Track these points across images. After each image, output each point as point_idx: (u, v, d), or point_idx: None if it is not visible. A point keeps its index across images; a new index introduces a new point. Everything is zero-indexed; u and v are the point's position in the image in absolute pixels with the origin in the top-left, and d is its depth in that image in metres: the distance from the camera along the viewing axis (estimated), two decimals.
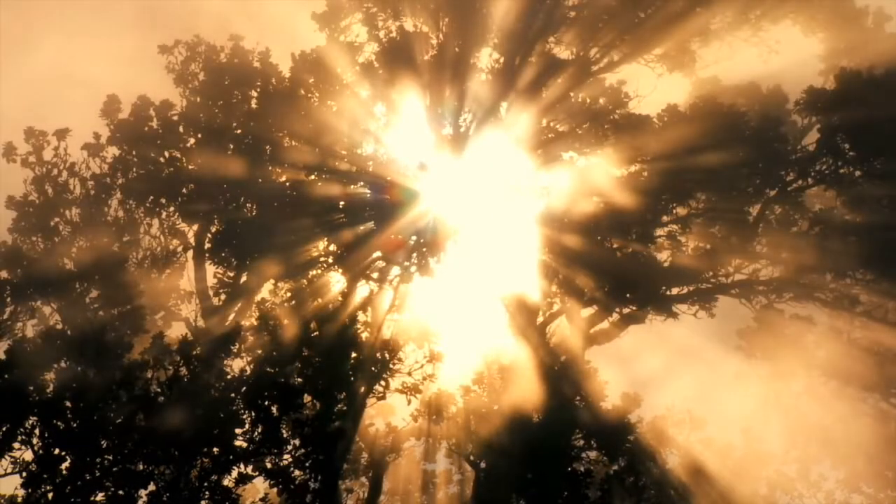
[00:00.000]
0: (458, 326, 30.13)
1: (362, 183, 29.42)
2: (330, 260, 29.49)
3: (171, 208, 30.51)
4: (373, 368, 28.68)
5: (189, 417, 26.27)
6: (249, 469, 27.32)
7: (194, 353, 28.29)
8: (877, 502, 30.31)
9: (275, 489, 27.96)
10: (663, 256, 28.31)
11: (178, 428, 25.98)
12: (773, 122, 27.18)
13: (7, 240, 29.57)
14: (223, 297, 29.79)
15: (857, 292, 29.40)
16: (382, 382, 29.35)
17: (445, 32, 29.85)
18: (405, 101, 29.62)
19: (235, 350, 28.84)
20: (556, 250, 28.02)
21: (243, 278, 29.83)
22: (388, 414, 30.58)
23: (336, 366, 27.85)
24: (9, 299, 28.70)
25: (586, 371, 28.12)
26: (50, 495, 25.75)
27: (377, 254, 29.02)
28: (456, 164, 29.61)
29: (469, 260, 29.31)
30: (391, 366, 29.55)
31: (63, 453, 26.52)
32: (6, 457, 26.57)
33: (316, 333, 28.35)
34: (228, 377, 28.11)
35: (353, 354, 28.36)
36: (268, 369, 27.82)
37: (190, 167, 30.52)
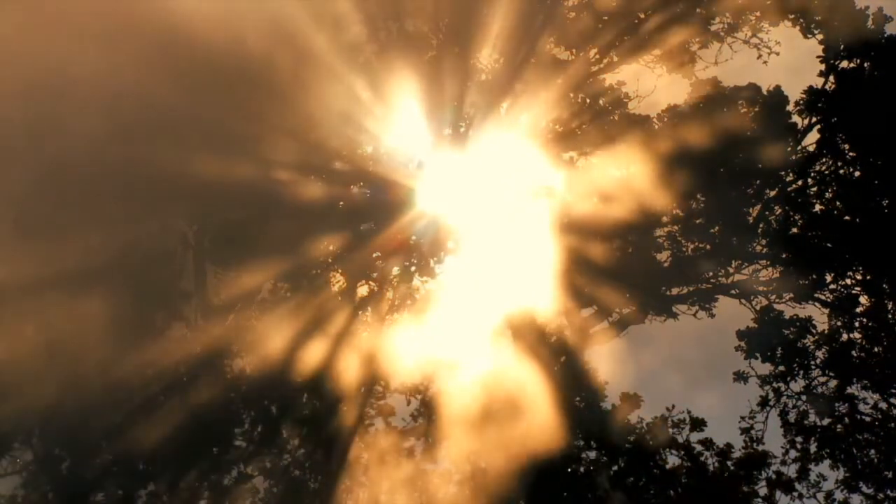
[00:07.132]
0: (458, 325, 30.13)
1: (362, 183, 29.44)
2: (330, 260, 29.49)
3: (172, 208, 30.46)
4: (372, 368, 28.70)
5: (189, 417, 26.30)
6: (249, 469, 27.36)
7: (194, 353, 28.32)
8: (877, 502, 30.30)
9: (275, 489, 27.97)
10: (663, 256, 28.34)
11: (178, 428, 26.01)
12: (772, 123, 27.19)
13: (7, 240, 29.51)
14: (223, 297, 29.79)
15: (857, 292, 29.45)
16: (382, 382, 29.37)
17: (445, 32, 29.85)
18: (405, 101, 29.62)
19: (235, 350, 28.87)
20: (555, 250, 28.04)
21: (243, 278, 29.82)
22: (388, 414, 30.56)
23: (335, 366, 27.88)
24: (8, 300, 28.66)
25: (586, 371, 28.13)
26: (50, 495, 25.78)
27: (377, 254, 29.03)
28: (456, 164, 29.63)
29: (468, 259, 29.33)
30: (391, 366, 29.56)
31: (63, 453, 26.54)
32: (6, 457, 26.59)
33: (316, 333, 28.36)
34: (228, 377, 28.14)
35: (353, 354, 28.38)
36: (268, 369, 27.85)
37: (190, 167, 30.47)
